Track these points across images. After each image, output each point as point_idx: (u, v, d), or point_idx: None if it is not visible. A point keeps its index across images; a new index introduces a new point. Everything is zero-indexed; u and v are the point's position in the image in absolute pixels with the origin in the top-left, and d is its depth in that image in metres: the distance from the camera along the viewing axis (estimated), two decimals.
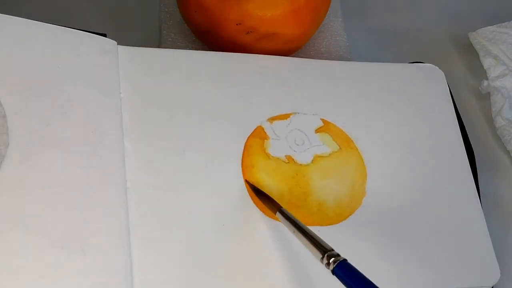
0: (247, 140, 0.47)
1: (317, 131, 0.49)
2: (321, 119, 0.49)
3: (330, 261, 0.38)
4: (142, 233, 0.41)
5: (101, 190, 0.41)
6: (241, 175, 0.45)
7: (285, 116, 0.49)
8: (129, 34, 0.59)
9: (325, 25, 0.59)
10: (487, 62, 0.59)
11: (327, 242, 0.39)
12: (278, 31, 0.52)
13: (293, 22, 0.52)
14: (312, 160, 0.47)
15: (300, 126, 0.49)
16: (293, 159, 0.47)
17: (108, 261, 0.39)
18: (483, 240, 0.47)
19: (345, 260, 0.38)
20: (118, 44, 0.48)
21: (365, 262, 0.41)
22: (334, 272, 0.38)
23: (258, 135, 0.47)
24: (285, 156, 0.47)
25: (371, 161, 0.48)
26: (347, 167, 0.48)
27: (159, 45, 0.57)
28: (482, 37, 0.61)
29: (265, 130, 0.48)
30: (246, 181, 0.45)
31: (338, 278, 0.38)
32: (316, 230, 0.43)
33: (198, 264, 0.41)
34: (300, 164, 0.47)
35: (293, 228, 0.41)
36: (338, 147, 0.48)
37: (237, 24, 0.51)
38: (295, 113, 0.49)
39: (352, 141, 0.49)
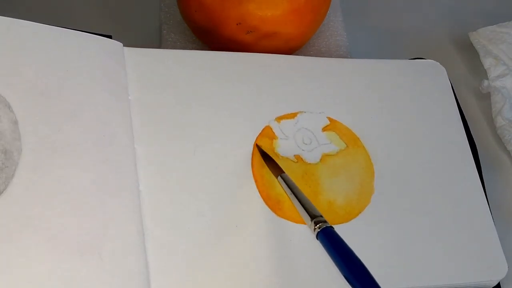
0: (256, 140, 0.47)
1: (324, 129, 0.49)
2: (327, 117, 0.50)
3: (316, 227, 0.40)
4: (156, 236, 0.41)
5: (115, 195, 0.41)
6: (252, 176, 0.45)
7: (292, 115, 0.49)
8: (129, 34, 0.59)
9: (325, 25, 0.59)
10: (487, 62, 0.59)
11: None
12: (278, 31, 0.52)
13: (293, 21, 0.52)
14: (321, 159, 0.47)
15: (307, 125, 0.49)
16: (301, 158, 0.47)
17: (125, 265, 0.39)
18: (490, 234, 0.47)
19: (330, 227, 0.40)
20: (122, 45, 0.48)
21: (376, 258, 0.42)
22: (318, 236, 0.40)
23: (267, 135, 0.48)
24: (294, 155, 0.47)
25: (378, 158, 0.48)
26: (355, 165, 0.48)
27: (159, 45, 0.57)
28: (482, 37, 0.61)
29: (273, 130, 0.48)
30: (257, 145, 0.46)
31: (321, 243, 0.39)
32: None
33: (213, 266, 0.41)
34: (309, 163, 0.47)
35: (290, 192, 0.43)
36: (345, 145, 0.49)
37: (237, 24, 0.51)
38: (302, 112, 0.49)
39: (359, 139, 0.49)
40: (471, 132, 0.52)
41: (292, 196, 0.43)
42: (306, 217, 0.41)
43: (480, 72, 0.60)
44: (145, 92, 0.46)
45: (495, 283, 0.46)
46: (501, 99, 0.56)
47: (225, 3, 0.50)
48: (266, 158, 0.45)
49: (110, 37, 0.48)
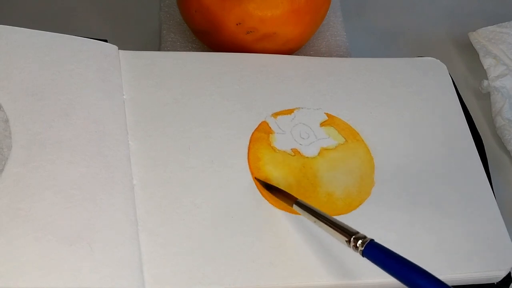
0: (252, 134, 0.47)
1: (322, 124, 0.49)
2: (325, 113, 0.50)
3: (358, 244, 0.39)
4: (150, 228, 0.42)
5: (106, 188, 0.42)
6: (248, 169, 0.46)
7: (289, 111, 0.49)
8: (129, 34, 0.59)
9: (325, 25, 0.59)
10: (487, 62, 0.59)
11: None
12: (278, 31, 0.52)
13: (293, 22, 0.52)
14: (319, 153, 0.48)
15: (304, 121, 0.49)
16: (299, 152, 0.47)
17: (116, 255, 0.39)
18: (497, 224, 0.46)
19: (372, 240, 0.39)
20: (119, 47, 0.48)
21: None
22: (364, 253, 0.38)
23: (263, 130, 0.48)
24: (291, 149, 0.47)
25: (378, 152, 0.48)
26: (354, 159, 0.48)
27: (159, 45, 0.57)
28: (482, 37, 0.61)
29: (270, 125, 0.48)
30: (256, 179, 0.45)
31: (369, 259, 0.38)
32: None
33: (208, 257, 0.41)
34: (307, 157, 0.47)
35: (314, 218, 0.42)
36: (344, 140, 0.49)
37: (237, 24, 0.51)
38: (299, 108, 0.50)
39: (358, 134, 0.49)
40: (477, 128, 0.52)
41: (318, 221, 0.41)
42: (340, 237, 0.40)
43: (480, 72, 0.60)
44: (140, 92, 0.47)
45: (504, 273, 0.45)
46: (501, 99, 0.56)
47: (225, 3, 0.50)
48: (272, 190, 0.45)
49: (106, 41, 0.49)
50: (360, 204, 0.46)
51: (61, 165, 0.41)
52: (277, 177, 0.46)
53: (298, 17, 0.52)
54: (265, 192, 0.45)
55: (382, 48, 0.61)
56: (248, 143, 0.47)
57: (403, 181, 0.47)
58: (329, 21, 0.59)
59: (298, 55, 0.55)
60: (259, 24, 0.51)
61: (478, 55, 0.60)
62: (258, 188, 0.45)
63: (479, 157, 0.50)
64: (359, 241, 0.39)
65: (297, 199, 0.43)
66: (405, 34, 0.62)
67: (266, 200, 0.44)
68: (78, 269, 0.38)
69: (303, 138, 0.48)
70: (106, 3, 0.62)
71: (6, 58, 0.44)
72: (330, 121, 0.49)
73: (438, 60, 0.55)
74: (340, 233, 0.40)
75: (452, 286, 0.37)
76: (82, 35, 0.52)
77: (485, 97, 0.58)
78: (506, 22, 0.61)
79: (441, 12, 0.65)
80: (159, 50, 0.57)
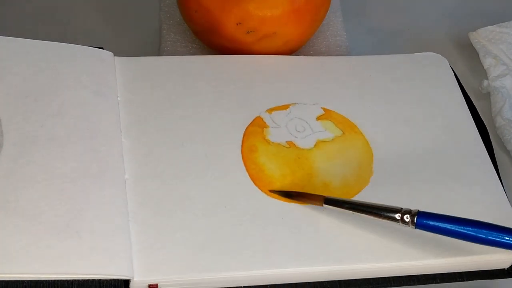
0: (246, 129, 0.48)
1: (318, 118, 0.49)
2: (322, 108, 0.50)
3: (408, 219, 0.40)
4: (142, 219, 0.42)
5: (97, 181, 0.43)
6: (241, 161, 0.46)
7: (284, 107, 0.50)
8: (129, 35, 0.59)
9: (325, 25, 0.59)
10: (487, 62, 0.59)
11: (337, 217, 0.42)
12: (278, 31, 0.52)
13: (293, 22, 0.52)
14: (315, 145, 0.48)
15: (300, 115, 0.49)
16: (294, 144, 0.48)
17: (105, 244, 0.40)
18: (505, 210, 0.46)
19: (419, 211, 0.40)
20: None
21: (374, 235, 0.43)
22: (417, 225, 0.40)
23: (257, 124, 0.48)
24: (286, 142, 0.48)
25: (377, 143, 0.48)
26: (352, 150, 0.48)
27: (159, 45, 0.57)
28: (482, 37, 0.61)
29: (264, 120, 0.49)
30: (271, 191, 0.45)
31: (423, 229, 0.40)
32: (322, 208, 0.43)
33: (200, 245, 0.42)
34: (302, 149, 0.47)
35: (351, 211, 0.42)
36: (342, 132, 0.49)
37: (237, 24, 0.51)
38: (295, 103, 0.50)
39: (356, 126, 0.49)
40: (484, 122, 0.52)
41: (357, 213, 0.42)
42: (387, 219, 0.41)
43: (480, 72, 0.60)
44: (134, 93, 0.48)
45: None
46: (501, 99, 0.56)
47: (225, 3, 0.50)
48: (294, 196, 0.45)
49: (102, 48, 0.50)
50: (358, 192, 0.46)
51: (52, 160, 0.43)
52: (270, 168, 0.46)
53: (298, 17, 0.52)
54: (260, 183, 0.45)
55: (382, 48, 0.61)
56: (242, 137, 0.47)
57: (402, 170, 0.47)
58: (329, 21, 0.59)
59: (298, 55, 0.55)
60: (259, 24, 0.51)
61: (478, 55, 0.60)
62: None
63: (483, 145, 0.50)
64: (408, 216, 0.40)
65: (325, 196, 0.43)
66: (405, 34, 0.62)
67: (259, 190, 0.45)
68: (65, 256, 0.39)
69: (298, 132, 0.48)
70: (106, 3, 0.62)
71: (1, 65, 0.46)
72: (327, 115, 0.50)
73: (439, 55, 0.55)
74: (385, 215, 0.41)
75: (464, 271, 0.40)
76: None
77: (485, 97, 0.58)
78: (506, 22, 0.61)
79: (441, 12, 0.65)
80: (159, 50, 0.57)
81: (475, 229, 0.40)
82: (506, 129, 0.55)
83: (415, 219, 0.40)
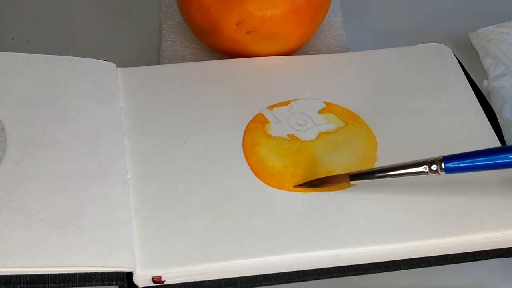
0: (247, 125, 0.48)
1: (320, 112, 0.50)
2: (323, 101, 0.50)
3: (435, 167, 0.41)
4: (144, 214, 0.42)
5: (99, 181, 0.43)
6: (242, 154, 0.46)
7: (285, 103, 0.50)
8: (129, 35, 0.59)
9: (325, 25, 0.59)
10: (487, 62, 0.59)
11: (341, 202, 0.43)
12: (278, 31, 0.52)
13: (293, 22, 0.52)
14: (317, 137, 0.48)
15: (302, 110, 0.50)
16: (296, 137, 0.48)
17: (107, 237, 0.40)
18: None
19: (443, 156, 0.41)
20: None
21: (383, 218, 0.43)
22: (447, 170, 0.41)
23: (258, 121, 0.49)
24: (288, 135, 0.48)
25: (381, 131, 0.48)
26: (356, 139, 0.48)
27: (159, 45, 0.57)
28: (482, 37, 0.61)
29: (266, 116, 0.49)
30: (295, 186, 0.45)
31: (453, 171, 0.40)
32: (326, 195, 0.44)
33: (202, 236, 0.42)
34: (304, 141, 0.48)
35: (378, 177, 0.43)
36: (344, 123, 0.49)
37: (237, 24, 0.51)
38: (296, 99, 0.50)
39: (359, 117, 0.49)
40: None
41: (385, 178, 0.43)
42: (415, 174, 0.42)
43: (480, 72, 0.59)
44: (137, 100, 0.49)
45: None
46: (501, 99, 0.56)
47: (225, 3, 0.50)
48: (319, 183, 0.44)
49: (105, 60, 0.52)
50: None
51: (55, 161, 0.44)
52: (272, 160, 0.46)
53: (298, 17, 0.52)
54: (262, 175, 0.45)
55: (382, 48, 0.61)
56: (243, 133, 0.48)
57: (407, 156, 0.46)
58: (329, 21, 0.59)
59: (298, 55, 0.55)
60: (259, 24, 0.51)
61: (478, 55, 0.60)
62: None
63: (492, 129, 0.49)
64: (434, 165, 0.41)
65: (350, 173, 0.44)
66: (405, 34, 0.62)
67: (261, 181, 0.45)
68: (67, 250, 0.39)
69: (300, 125, 0.49)
70: (106, 3, 0.62)
71: (5, 78, 0.48)
72: (329, 108, 0.50)
73: (442, 45, 0.55)
74: (413, 171, 0.42)
75: (476, 251, 0.40)
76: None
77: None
78: (506, 22, 0.61)
79: (441, 12, 0.65)
80: (159, 50, 0.57)
81: (503, 155, 0.40)
82: (506, 129, 0.55)
83: (443, 164, 0.41)
